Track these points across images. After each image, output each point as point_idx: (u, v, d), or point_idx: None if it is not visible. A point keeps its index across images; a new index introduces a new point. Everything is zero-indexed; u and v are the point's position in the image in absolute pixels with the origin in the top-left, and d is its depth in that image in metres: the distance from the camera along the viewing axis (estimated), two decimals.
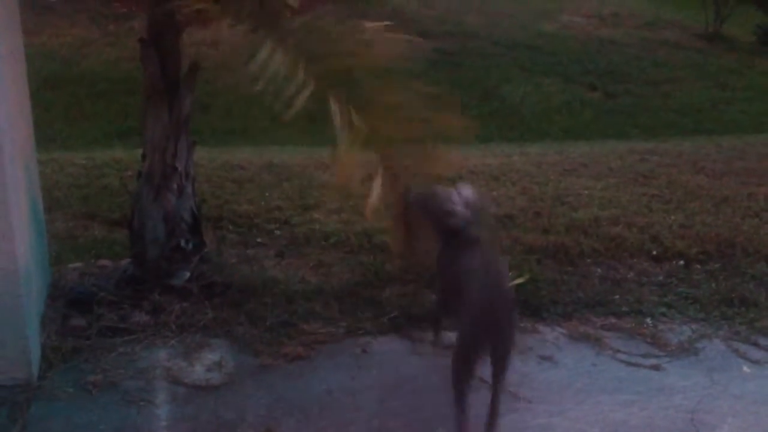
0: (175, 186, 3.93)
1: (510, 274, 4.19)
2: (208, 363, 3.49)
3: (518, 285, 4.17)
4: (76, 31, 11.11)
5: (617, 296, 4.25)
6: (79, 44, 10.70)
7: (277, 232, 4.79)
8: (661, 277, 4.49)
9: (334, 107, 2.95)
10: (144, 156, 3.96)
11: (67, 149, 6.62)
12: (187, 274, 4.00)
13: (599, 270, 4.53)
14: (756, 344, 3.87)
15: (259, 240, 4.70)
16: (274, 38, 3.03)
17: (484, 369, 3.45)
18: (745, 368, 3.69)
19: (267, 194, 5.29)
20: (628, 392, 3.44)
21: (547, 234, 4.87)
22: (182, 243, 3.99)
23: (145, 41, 3.82)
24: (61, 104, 8.93)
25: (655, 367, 3.65)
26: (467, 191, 3.39)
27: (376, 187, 3.02)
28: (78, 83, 9.57)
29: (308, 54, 3.04)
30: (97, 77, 9.72)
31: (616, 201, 5.48)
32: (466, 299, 3.05)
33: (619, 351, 3.76)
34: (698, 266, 4.63)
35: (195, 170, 4.10)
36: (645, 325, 3.99)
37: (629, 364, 3.67)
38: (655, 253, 4.73)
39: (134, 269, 4.01)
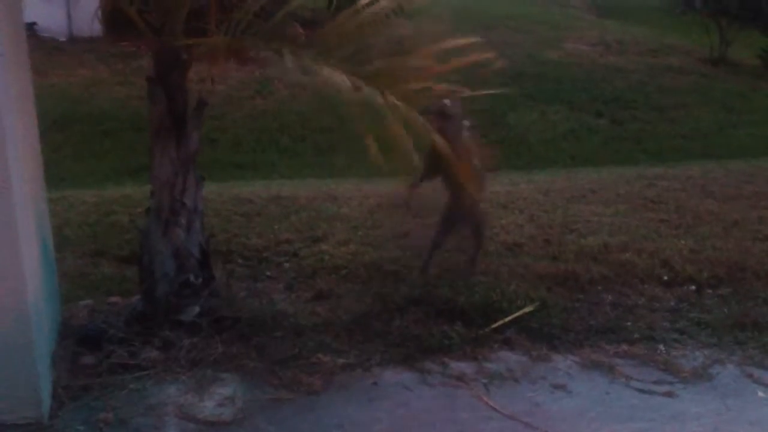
0: (183, 221, 3.95)
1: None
2: (218, 398, 3.48)
3: (528, 313, 4.18)
4: (84, 71, 11.25)
5: (629, 323, 4.23)
6: (88, 83, 10.82)
7: (286, 265, 4.80)
8: (672, 303, 4.47)
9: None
10: (152, 192, 3.98)
11: (77, 187, 6.67)
12: (197, 309, 4.00)
13: (610, 297, 4.51)
14: None
15: (268, 273, 4.70)
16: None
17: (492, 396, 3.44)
18: (760, 393, 3.65)
19: (275, 227, 5.31)
20: (641, 420, 3.41)
21: (556, 261, 4.85)
22: (191, 278, 4.00)
23: (152, 79, 3.86)
24: (70, 143, 9.02)
25: (669, 394, 3.61)
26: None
27: None
28: (87, 122, 9.67)
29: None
30: (106, 116, 9.82)
31: (625, 227, 5.46)
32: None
33: (632, 378, 3.73)
34: (710, 291, 4.61)
35: (203, 205, 4.12)
36: (658, 352, 3.96)
37: (642, 391, 3.63)
38: (665, 278, 4.71)
39: (144, 305, 4.02)
